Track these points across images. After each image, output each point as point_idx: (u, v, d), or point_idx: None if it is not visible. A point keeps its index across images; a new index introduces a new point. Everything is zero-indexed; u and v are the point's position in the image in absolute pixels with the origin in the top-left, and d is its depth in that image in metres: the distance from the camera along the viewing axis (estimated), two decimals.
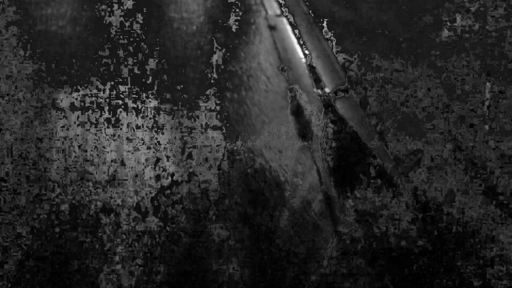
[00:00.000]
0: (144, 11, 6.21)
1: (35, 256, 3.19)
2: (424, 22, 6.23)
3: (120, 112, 4.57)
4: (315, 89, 4.96)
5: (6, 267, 3.14)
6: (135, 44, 5.14)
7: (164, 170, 3.93)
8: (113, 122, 4.58)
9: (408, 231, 3.25)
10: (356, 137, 4.14)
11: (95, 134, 4.27)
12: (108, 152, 4.23)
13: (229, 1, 7.01)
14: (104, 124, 4.54)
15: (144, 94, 4.71)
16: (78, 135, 4.33)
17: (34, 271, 3.06)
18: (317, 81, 5.05)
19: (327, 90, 4.91)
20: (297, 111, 4.54)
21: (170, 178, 3.82)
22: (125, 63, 5.19)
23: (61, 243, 3.49)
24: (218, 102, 4.63)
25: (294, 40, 5.97)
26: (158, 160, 3.92)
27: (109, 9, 5.96)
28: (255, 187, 3.56)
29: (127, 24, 5.79)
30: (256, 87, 4.89)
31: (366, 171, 3.76)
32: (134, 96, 4.68)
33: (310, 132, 4.25)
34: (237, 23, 6.17)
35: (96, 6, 5.95)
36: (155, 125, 4.31)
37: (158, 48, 5.35)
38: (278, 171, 3.86)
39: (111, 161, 4.14)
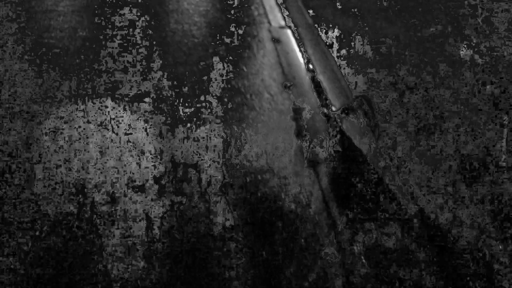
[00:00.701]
0: (145, 23, 6.00)
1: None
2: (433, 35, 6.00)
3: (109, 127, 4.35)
4: (320, 108, 4.73)
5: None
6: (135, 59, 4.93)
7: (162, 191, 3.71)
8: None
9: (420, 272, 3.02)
10: (365, 162, 3.91)
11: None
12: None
13: (231, 12, 6.77)
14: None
15: (141, 115, 4.50)
16: None
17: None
18: (323, 99, 4.82)
19: (333, 108, 4.68)
20: (302, 133, 4.31)
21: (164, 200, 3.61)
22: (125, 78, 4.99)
23: None
24: (218, 122, 4.42)
25: (299, 54, 5.73)
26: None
27: (107, 33, 5.72)
28: (261, 217, 3.34)
29: (127, 39, 5.58)
30: (259, 106, 4.67)
31: (375, 199, 3.53)
32: (129, 118, 4.46)
33: (316, 156, 4.03)
34: (239, 35, 5.94)
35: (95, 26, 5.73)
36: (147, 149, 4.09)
37: (159, 62, 5.13)
38: (281, 198, 3.64)
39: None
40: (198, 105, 4.66)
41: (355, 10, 6.71)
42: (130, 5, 6.37)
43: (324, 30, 6.19)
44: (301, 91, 5.00)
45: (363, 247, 3.23)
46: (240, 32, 6.10)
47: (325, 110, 4.69)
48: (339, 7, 6.75)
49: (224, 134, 4.32)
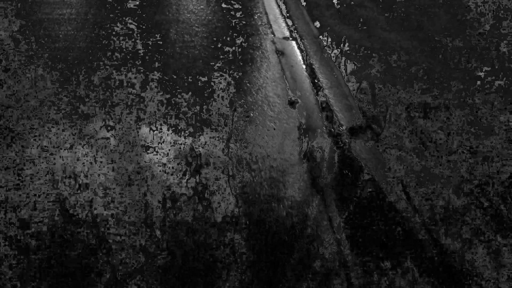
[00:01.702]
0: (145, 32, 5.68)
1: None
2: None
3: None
4: (327, 126, 4.41)
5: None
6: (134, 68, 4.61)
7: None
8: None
9: None
10: (377, 189, 3.58)
11: None
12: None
13: (233, 21, 6.45)
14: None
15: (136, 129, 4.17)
16: None
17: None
18: (330, 117, 4.50)
19: (341, 128, 4.36)
20: (309, 155, 3.98)
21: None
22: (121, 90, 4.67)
23: None
24: (220, 143, 4.09)
25: (304, 68, 5.41)
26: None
27: (106, 38, 5.40)
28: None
29: (127, 48, 5.27)
30: (262, 125, 4.34)
31: (389, 234, 3.21)
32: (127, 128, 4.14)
33: (323, 182, 3.70)
34: (242, 46, 5.62)
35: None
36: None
37: (158, 77, 4.80)
38: (288, 228, 3.32)
39: None
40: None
41: (361, 21, 6.41)
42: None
43: (330, 42, 5.88)
44: (306, 107, 4.68)
45: None
46: (243, 43, 5.78)
47: (333, 129, 4.36)
48: (346, 18, 6.44)
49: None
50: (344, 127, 4.36)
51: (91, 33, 5.66)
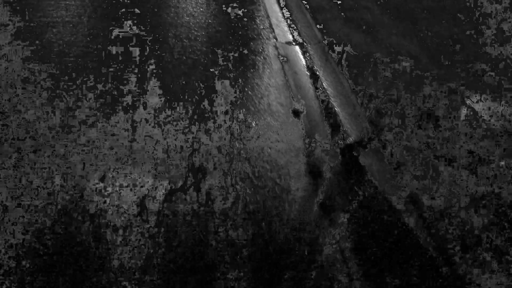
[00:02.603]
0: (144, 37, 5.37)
1: None
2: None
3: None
4: (333, 138, 4.11)
5: None
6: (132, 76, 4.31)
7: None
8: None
9: None
10: (391, 210, 3.30)
11: None
12: None
13: (234, 24, 6.14)
14: None
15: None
16: None
17: None
18: (336, 128, 4.20)
19: (349, 140, 4.06)
20: (316, 171, 3.69)
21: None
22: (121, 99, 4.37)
23: None
24: (219, 158, 3.79)
25: (308, 74, 5.11)
26: None
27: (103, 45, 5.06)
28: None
29: (126, 53, 4.97)
30: (265, 137, 4.05)
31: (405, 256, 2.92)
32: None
33: (332, 200, 3.41)
34: (243, 52, 5.32)
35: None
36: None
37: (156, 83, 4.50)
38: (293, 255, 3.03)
39: None
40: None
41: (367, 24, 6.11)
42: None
43: (334, 47, 5.59)
44: (311, 117, 4.38)
45: None
46: (244, 48, 5.48)
47: (340, 142, 4.07)
48: (350, 21, 6.14)
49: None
50: (351, 140, 4.07)
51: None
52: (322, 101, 4.64)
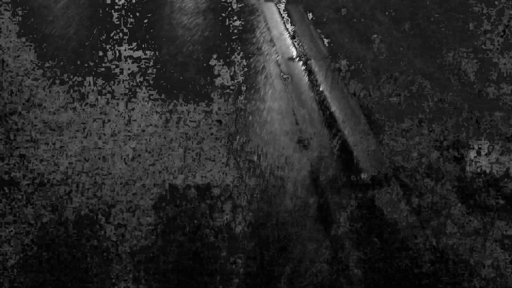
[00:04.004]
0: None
1: None
2: None
3: None
4: (345, 173, 3.61)
5: None
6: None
7: None
8: None
9: None
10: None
11: None
12: None
13: (233, 38, 5.63)
14: None
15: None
16: None
17: None
18: (348, 161, 3.71)
19: (363, 176, 3.56)
20: (327, 218, 3.19)
21: None
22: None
23: None
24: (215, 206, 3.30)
25: (313, 95, 4.61)
26: None
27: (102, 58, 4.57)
28: None
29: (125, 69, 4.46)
30: (269, 173, 3.55)
31: None
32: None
33: (348, 257, 2.92)
34: (242, 70, 4.81)
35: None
36: None
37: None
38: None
39: None
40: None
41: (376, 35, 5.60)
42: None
43: (340, 63, 5.08)
44: (319, 148, 3.88)
45: None
46: (244, 65, 4.97)
47: (353, 177, 3.57)
48: (356, 33, 5.63)
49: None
50: (366, 175, 3.57)
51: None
52: (330, 127, 4.13)
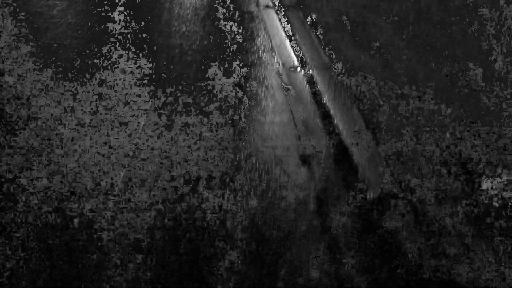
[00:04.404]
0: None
1: None
2: None
3: None
4: (347, 191, 3.46)
5: None
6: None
7: None
8: None
9: None
10: None
11: None
12: None
13: (232, 47, 5.42)
14: None
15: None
16: None
17: None
18: (352, 179, 3.55)
19: (369, 196, 3.41)
20: (334, 246, 3.03)
21: None
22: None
23: None
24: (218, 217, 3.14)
25: (316, 108, 4.46)
26: None
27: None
28: None
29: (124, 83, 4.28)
30: (271, 195, 3.39)
31: None
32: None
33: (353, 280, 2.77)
34: (242, 82, 4.64)
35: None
36: None
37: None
38: None
39: None
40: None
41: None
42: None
43: (343, 72, 4.93)
44: (322, 164, 3.73)
45: None
46: (243, 76, 4.81)
47: (358, 198, 3.42)
48: (359, 42, 5.48)
49: None
50: (372, 195, 3.42)
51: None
52: (334, 143, 3.99)
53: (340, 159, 3.76)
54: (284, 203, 3.31)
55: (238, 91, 4.36)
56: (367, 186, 3.48)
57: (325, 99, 4.54)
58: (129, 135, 3.74)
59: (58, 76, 4.38)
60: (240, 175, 3.50)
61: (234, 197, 3.23)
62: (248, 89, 4.52)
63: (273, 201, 3.31)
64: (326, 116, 4.26)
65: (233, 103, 4.33)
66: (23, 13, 5.19)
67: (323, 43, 5.42)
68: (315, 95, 4.60)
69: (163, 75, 4.60)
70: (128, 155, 3.58)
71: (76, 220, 3.08)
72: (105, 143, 3.73)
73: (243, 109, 4.17)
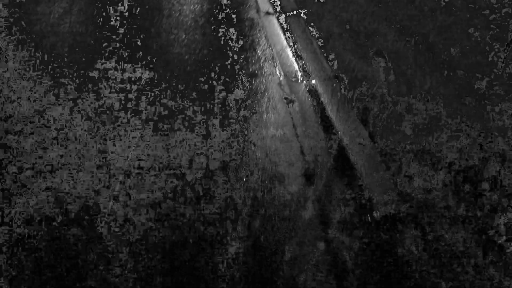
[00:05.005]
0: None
1: None
2: None
3: None
4: (356, 210, 3.33)
5: None
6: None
7: None
8: None
9: None
10: None
11: None
12: None
13: (232, 56, 5.29)
14: None
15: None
16: None
17: None
18: (358, 194, 3.42)
19: (375, 214, 3.28)
20: (339, 273, 2.90)
21: None
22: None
23: None
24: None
25: (319, 121, 4.32)
26: None
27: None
28: None
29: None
30: (273, 214, 3.25)
31: None
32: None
33: None
34: (242, 93, 4.51)
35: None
36: None
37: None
38: None
39: None
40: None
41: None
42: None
43: (346, 84, 4.80)
44: (327, 182, 3.59)
45: None
46: (244, 87, 4.67)
47: (368, 215, 3.29)
48: (363, 51, 5.35)
49: None
50: (378, 214, 3.29)
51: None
52: (338, 157, 3.85)
53: (343, 173, 3.61)
54: (287, 223, 3.17)
55: (240, 107, 4.22)
56: (372, 204, 3.35)
57: (328, 111, 4.40)
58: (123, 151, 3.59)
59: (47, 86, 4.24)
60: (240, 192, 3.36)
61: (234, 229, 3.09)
62: (248, 104, 4.38)
63: (274, 223, 3.17)
64: (329, 131, 4.12)
65: (234, 116, 4.18)
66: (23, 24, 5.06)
67: (325, 52, 5.29)
68: (318, 107, 4.46)
69: (160, 85, 4.46)
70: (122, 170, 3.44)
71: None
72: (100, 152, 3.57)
73: (245, 122, 4.03)
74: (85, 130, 3.70)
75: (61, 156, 3.43)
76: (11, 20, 5.12)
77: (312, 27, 5.86)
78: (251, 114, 4.20)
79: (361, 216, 3.25)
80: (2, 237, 2.83)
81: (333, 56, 5.22)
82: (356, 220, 3.20)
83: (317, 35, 5.67)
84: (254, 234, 2.97)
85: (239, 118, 4.13)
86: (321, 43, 5.47)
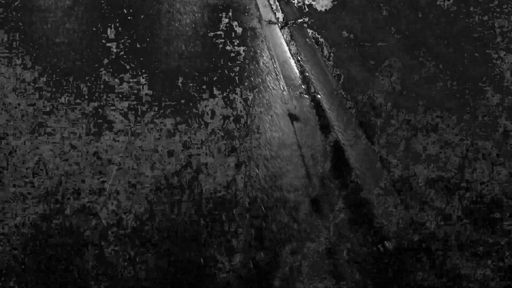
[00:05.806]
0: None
1: None
2: None
3: None
4: (368, 241, 3.10)
5: None
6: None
7: None
8: None
9: None
10: None
11: None
12: None
13: (234, 69, 5.06)
14: None
15: None
16: None
17: None
18: (368, 227, 3.18)
19: (387, 245, 3.05)
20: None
21: None
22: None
23: None
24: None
25: (325, 141, 4.08)
26: None
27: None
28: None
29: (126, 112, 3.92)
30: (277, 250, 3.01)
31: None
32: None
33: None
34: (246, 109, 4.27)
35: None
36: None
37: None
38: None
39: None
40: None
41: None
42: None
43: (352, 98, 4.57)
44: (336, 210, 3.36)
45: None
46: (248, 103, 4.44)
47: (379, 247, 3.06)
48: (369, 63, 5.11)
49: None
50: (390, 244, 3.05)
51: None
52: (345, 180, 3.62)
53: (354, 203, 3.38)
54: (293, 258, 2.94)
55: (240, 125, 3.99)
56: (384, 234, 3.11)
57: (333, 129, 4.17)
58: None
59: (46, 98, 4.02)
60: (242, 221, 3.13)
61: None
62: (250, 119, 4.15)
63: (282, 255, 2.94)
64: (335, 151, 3.88)
65: (235, 134, 3.95)
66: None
67: (330, 63, 5.05)
68: (323, 125, 4.23)
69: (159, 100, 4.24)
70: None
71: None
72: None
73: (249, 141, 3.80)
74: None
75: None
76: None
77: (317, 37, 5.63)
78: (253, 131, 3.97)
79: (372, 247, 3.02)
80: None
81: (338, 68, 4.99)
82: (367, 248, 2.97)
83: (322, 44, 5.44)
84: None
85: (241, 136, 3.90)
86: (326, 53, 5.24)
